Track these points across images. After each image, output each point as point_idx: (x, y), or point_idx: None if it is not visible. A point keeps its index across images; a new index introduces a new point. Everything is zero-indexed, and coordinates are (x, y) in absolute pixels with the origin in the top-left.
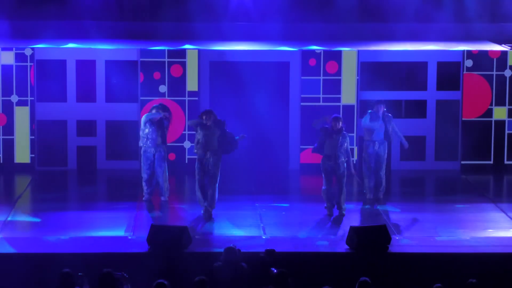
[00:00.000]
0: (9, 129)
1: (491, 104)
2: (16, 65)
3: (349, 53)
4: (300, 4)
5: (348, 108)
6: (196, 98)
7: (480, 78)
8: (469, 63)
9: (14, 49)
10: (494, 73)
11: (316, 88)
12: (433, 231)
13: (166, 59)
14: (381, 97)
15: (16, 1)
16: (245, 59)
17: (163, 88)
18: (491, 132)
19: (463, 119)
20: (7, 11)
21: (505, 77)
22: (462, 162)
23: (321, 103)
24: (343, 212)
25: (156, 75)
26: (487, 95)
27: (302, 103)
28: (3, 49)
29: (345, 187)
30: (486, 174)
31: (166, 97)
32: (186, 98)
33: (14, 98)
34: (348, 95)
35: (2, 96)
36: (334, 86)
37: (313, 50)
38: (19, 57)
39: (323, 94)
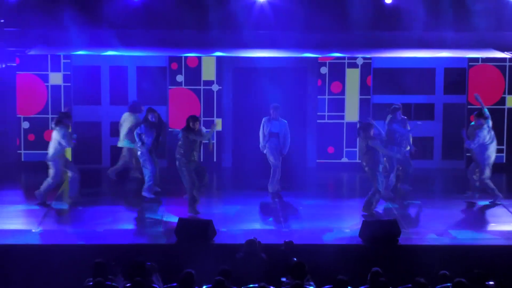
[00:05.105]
0: None
1: (504, 93)
2: (64, 86)
3: (352, 74)
4: (317, 14)
5: (352, 125)
6: (211, 87)
7: (494, 68)
8: None
9: (62, 70)
10: (507, 64)
11: (322, 107)
12: (440, 225)
13: None
14: (393, 100)
15: (53, 11)
16: (266, 65)
17: (180, 78)
18: (504, 119)
19: (474, 106)
20: (46, 21)
21: None
22: (468, 155)
23: (326, 120)
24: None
25: (174, 66)
26: (500, 85)
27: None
28: (52, 70)
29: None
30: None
31: (183, 86)
32: (202, 87)
33: None
34: (351, 113)
35: (52, 114)
36: (338, 105)
37: (320, 71)
38: (67, 78)
39: (328, 112)
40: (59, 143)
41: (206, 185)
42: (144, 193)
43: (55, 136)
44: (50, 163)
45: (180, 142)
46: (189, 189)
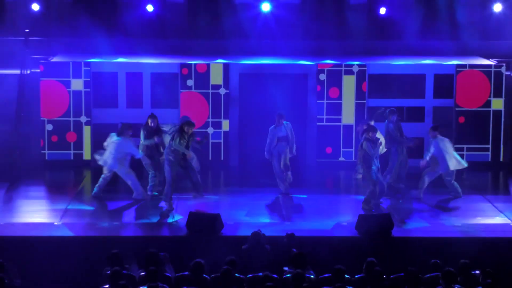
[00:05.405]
0: (78, 144)
1: (490, 96)
2: (84, 91)
3: (349, 81)
4: (316, 25)
5: (348, 128)
6: (218, 91)
7: (480, 73)
8: None
9: (83, 76)
10: (493, 69)
11: (321, 110)
12: (430, 218)
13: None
14: (386, 104)
15: (74, 22)
16: (269, 71)
17: (190, 82)
18: (490, 120)
19: (463, 109)
20: (67, 31)
21: (502, 73)
22: (457, 146)
23: (325, 123)
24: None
25: (184, 71)
26: (486, 89)
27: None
28: (73, 76)
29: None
30: (481, 164)
31: (193, 90)
32: (210, 91)
33: (83, 118)
34: (348, 116)
35: (73, 117)
36: (335, 109)
37: (319, 78)
38: (87, 84)
39: (326, 115)
40: (117, 151)
41: (198, 185)
42: (148, 192)
43: (113, 145)
44: (108, 171)
45: (171, 143)
46: (167, 187)
